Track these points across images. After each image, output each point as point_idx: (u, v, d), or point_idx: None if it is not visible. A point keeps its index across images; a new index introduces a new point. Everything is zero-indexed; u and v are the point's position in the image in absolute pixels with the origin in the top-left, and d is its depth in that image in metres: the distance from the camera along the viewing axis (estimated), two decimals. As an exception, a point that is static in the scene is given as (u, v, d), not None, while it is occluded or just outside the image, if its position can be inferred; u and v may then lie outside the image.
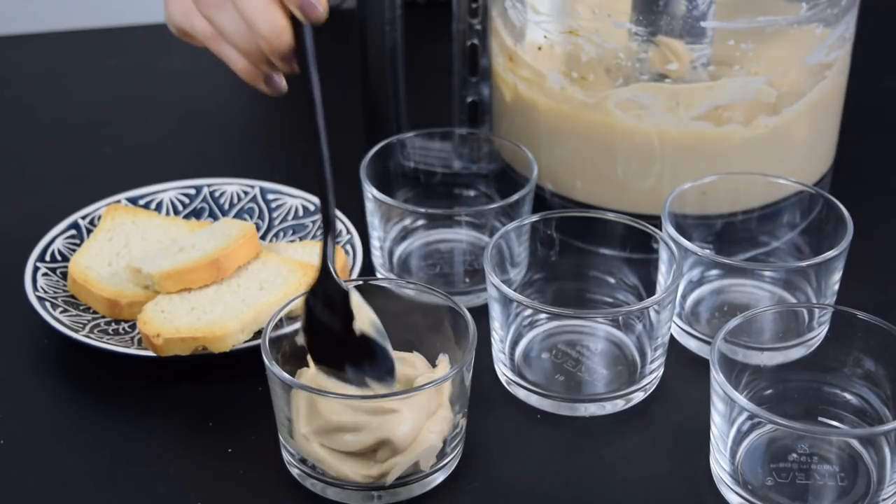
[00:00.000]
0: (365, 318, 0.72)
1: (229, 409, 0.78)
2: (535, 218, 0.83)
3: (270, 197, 0.93)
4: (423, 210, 0.87)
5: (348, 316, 0.72)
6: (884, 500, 0.69)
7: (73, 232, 0.89)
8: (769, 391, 0.76)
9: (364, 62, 0.93)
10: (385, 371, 0.72)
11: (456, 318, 0.74)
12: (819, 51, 0.87)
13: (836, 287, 0.81)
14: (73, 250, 0.88)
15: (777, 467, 0.72)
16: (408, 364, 0.74)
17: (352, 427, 0.69)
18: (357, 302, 0.72)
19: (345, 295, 0.72)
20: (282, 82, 0.78)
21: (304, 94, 0.72)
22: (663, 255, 0.80)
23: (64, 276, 0.86)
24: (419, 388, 0.69)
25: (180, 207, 0.92)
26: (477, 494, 0.72)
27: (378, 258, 0.88)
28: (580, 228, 0.84)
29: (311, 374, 0.73)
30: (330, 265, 0.72)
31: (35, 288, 0.83)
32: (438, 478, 0.72)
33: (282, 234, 0.91)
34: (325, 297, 0.73)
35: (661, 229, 0.81)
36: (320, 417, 0.70)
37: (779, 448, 0.72)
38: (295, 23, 0.72)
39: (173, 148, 1.05)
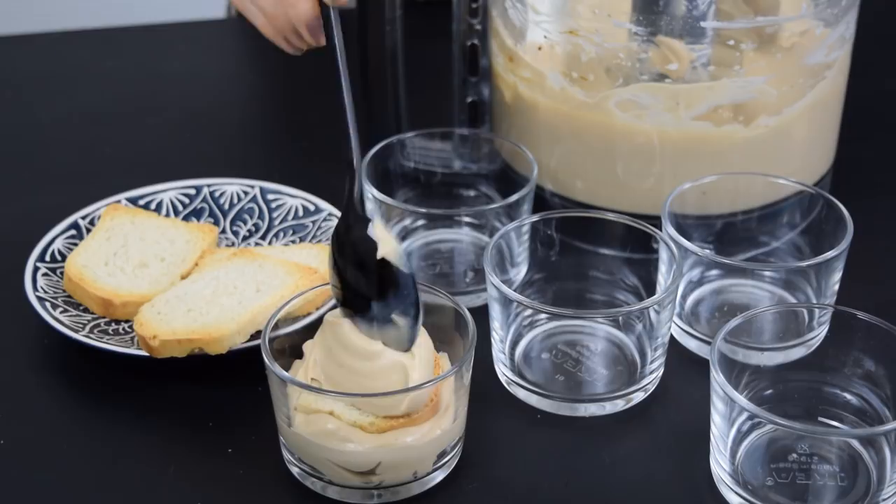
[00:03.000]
0: (388, 245, 0.72)
1: (229, 409, 0.78)
2: (535, 218, 0.83)
3: (270, 197, 0.92)
4: (423, 210, 0.87)
5: (371, 245, 0.71)
6: (884, 500, 0.69)
7: (73, 232, 0.89)
8: (769, 391, 0.76)
9: (364, 62, 0.93)
10: (409, 303, 0.72)
11: (456, 318, 0.74)
12: (819, 51, 0.87)
13: (836, 287, 0.81)
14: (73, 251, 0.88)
15: (777, 467, 0.71)
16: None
17: (353, 442, 0.69)
18: (380, 231, 0.72)
19: (367, 223, 0.72)
20: (301, 43, 0.80)
21: (329, 54, 0.73)
22: (663, 255, 0.80)
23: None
24: (418, 388, 0.69)
25: (180, 207, 0.92)
26: (477, 494, 0.72)
27: (378, 258, 0.88)
28: (580, 228, 0.84)
29: (308, 363, 0.73)
30: (354, 198, 0.73)
31: (35, 288, 0.83)
32: (438, 477, 0.72)
33: (282, 234, 0.91)
34: (348, 228, 0.72)
35: (661, 229, 0.81)
36: (319, 423, 0.70)
37: (779, 448, 0.72)
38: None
39: (173, 148, 1.05)
